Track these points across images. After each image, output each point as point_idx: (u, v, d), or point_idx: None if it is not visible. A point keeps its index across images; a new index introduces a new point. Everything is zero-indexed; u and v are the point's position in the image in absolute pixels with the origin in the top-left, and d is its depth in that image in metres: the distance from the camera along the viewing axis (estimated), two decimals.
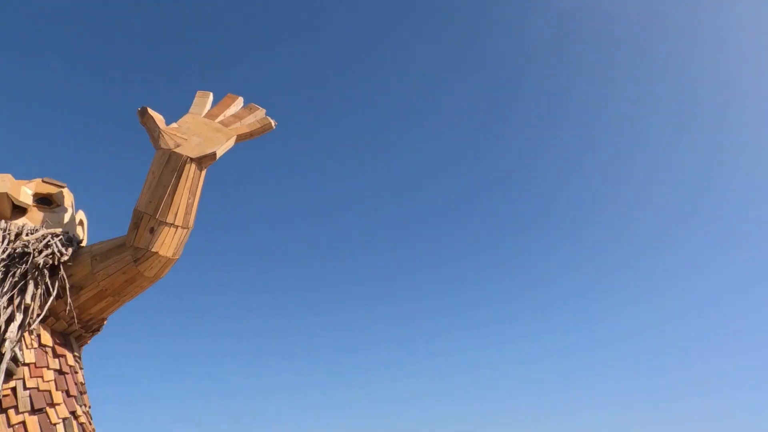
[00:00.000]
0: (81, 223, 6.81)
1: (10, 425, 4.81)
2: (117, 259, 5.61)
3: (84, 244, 6.48)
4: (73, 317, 5.63)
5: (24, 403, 4.93)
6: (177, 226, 5.62)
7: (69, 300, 5.54)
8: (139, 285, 5.76)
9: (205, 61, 31.44)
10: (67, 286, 5.56)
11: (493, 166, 36.20)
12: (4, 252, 5.53)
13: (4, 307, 5.15)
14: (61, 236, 5.85)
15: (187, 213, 5.68)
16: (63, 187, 6.54)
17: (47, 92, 29.30)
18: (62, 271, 5.58)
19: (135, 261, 5.57)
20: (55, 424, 5.04)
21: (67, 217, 6.40)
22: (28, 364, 5.15)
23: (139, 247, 5.56)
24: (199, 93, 6.56)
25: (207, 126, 6.07)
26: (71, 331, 5.85)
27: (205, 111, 6.36)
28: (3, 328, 5.04)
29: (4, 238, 5.68)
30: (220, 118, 6.26)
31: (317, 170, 35.00)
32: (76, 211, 6.77)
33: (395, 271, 35.76)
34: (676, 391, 30.45)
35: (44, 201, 6.36)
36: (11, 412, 4.86)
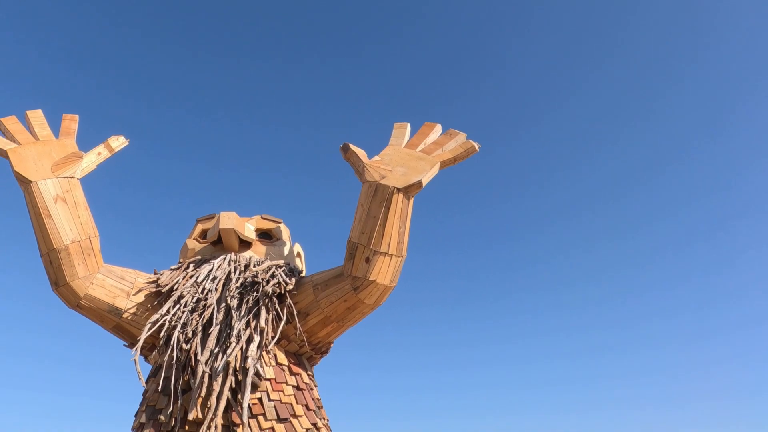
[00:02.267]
0: (299, 254, 7.74)
1: (261, 429, 5.75)
2: (337, 288, 6.31)
3: (304, 274, 7.31)
4: (303, 340, 6.45)
5: (270, 412, 5.88)
6: (391, 255, 6.17)
7: (298, 325, 6.32)
8: (361, 311, 6.43)
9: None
10: (295, 312, 6.35)
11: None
12: (237, 281, 6.45)
13: (243, 329, 6.01)
14: (284, 267, 6.73)
15: (400, 241, 6.21)
16: (280, 222, 7.51)
17: (259, 142, 33.31)
18: (289, 299, 6.39)
19: (354, 289, 6.22)
20: None
21: (286, 250, 7.32)
22: (269, 379, 6.10)
23: (357, 276, 6.19)
24: (396, 125, 7.10)
25: (409, 156, 6.57)
26: (302, 353, 6.72)
27: (405, 141, 6.88)
28: (244, 347, 5.91)
29: (236, 269, 6.65)
30: (421, 146, 6.73)
31: None
32: (293, 243, 7.67)
33: None
34: None
35: (265, 235, 7.36)
36: (260, 418, 5.81)
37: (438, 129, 6.99)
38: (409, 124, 7.09)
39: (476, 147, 6.62)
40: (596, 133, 34.32)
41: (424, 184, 6.22)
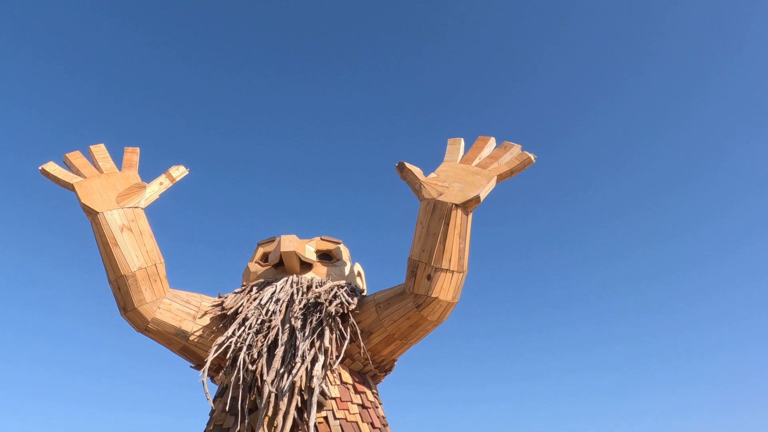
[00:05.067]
0: (359, 274, 8.06)
1: None
2: (400, 306, 6.57)
3: (365, 293, 7.59)
4: (367, 359, 6.72)
5: (336, 430, 6.18)
6: (452, 271, 6.40)
7: (362, 344, 6.58)
8: (424, 328, 6.67)
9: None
10: (358, 331, 6.61)
11: None
12: (300, 303, 6.75)
13: (308, 350, 6.29)
14: (345, 287, 7.04)
15: (460, 257, 6.43)
16: (339, 243, 7.86)
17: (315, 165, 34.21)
18: (352, 319, 6.68)
19: (417, 307, 6.48)
20: None
21: (347, 270, 7.65)
22: (334, 398, 6.41)
23: (419, 294, 6.44)
24: (450, 140, 7.34)
25: (465, 171, 6.79)
26: (366, 371, 7.03)
27: (460, 157, 7.12)
28: (309, 367, 6.18)
29: (298, 290, 6.97)
30: (476, 161, 6.95)
31: None
32: (353, 263, 7.96)
33: None
34: None
35: (325, 256, 7.72)
36: None
37: (492, 142, 7.19)
38: (462, 140, 7.31)
39: (532, 158, 6.76)
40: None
41: (482, 199, 6.42)
